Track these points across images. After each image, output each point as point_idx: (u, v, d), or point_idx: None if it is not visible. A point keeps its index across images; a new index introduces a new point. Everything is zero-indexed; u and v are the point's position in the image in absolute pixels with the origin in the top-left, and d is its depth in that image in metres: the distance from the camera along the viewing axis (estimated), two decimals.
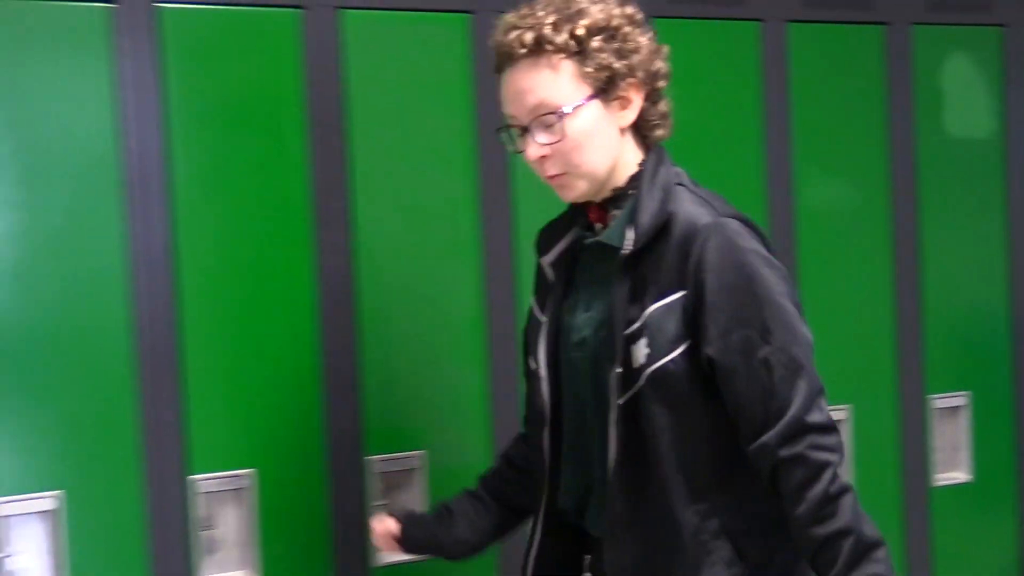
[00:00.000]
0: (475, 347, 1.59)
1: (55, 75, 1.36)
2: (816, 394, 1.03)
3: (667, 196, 1.10)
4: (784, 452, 1.01)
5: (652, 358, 1.05)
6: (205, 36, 1.42)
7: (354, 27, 1.47)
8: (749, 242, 1.07)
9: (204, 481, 1.42)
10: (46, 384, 1.36)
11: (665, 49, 1.15)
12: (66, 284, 1.37)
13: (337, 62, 1.46)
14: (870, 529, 1.01)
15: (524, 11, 1.09)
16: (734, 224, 1.08)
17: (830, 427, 1.04)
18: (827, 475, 1.00)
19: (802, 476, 1.01)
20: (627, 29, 1.11)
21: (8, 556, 1.36)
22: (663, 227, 1.07)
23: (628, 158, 1.14)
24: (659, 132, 1.16)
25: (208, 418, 1.42)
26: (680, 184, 1.12)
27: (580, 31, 1.07)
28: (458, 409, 1.60)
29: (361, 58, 1.47)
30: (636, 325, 1.06)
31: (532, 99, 1.08)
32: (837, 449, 1.04)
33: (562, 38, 1.07)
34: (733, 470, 1.08)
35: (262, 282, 1.46)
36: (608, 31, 1.09)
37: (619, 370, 1.07)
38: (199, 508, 1.42)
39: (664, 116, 1.16)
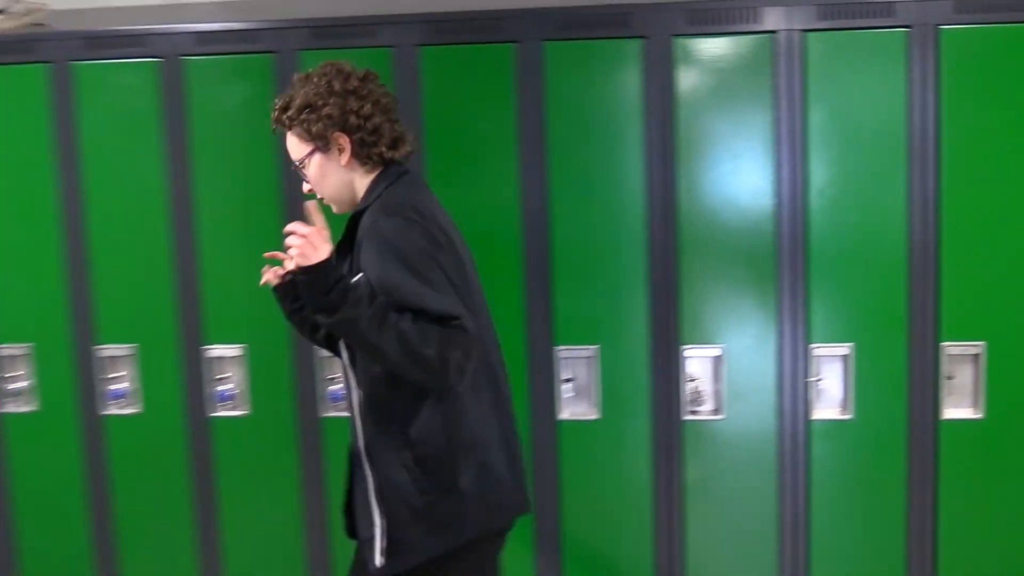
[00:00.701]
0: None
1: (866, 77, 2.14)
2: (437, 304, 1.49)
3: (368, 205, 1.62)
4: None
5: None
6: (972, 47, 2.10)
7: None
8: (392, 234, 1.53)
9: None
10: (849, 275, 2.16)
11: (366, 108, 1.61)
12: (865, 212, 2.15)
13: None
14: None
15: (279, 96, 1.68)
16: (392, 222, 1.54)
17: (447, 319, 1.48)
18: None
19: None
20: (322, 102, 1.60)
21: (819, 380, 2.18)
22: (356, 225, 1.62)
23: (360, 181, 1.67)
24: (381, 159, 1.64)
25: (957, 298, 2.13)
26: (381, 195, 1.62)
27: (291, 112, 1.63)
28: None
29: None
30: None
31: (290, 156, 1.68)
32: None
33: (284, 117, 1.64)
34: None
35: (999, 216, 2.13)
36: (308, 107, 1.61)
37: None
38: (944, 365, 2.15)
39: (377, 159, 1.64)
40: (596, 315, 2.24)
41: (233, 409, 2.35)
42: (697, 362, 2.22)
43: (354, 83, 1.66)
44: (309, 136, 1.65)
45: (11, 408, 2.41)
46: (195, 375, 2.35)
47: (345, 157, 1.66)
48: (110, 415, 2.39)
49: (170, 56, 2.26)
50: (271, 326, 2.29)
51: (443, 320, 1.51)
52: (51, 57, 2.31)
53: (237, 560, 2.43)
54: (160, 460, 2.41)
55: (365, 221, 1.60)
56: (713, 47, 2.17)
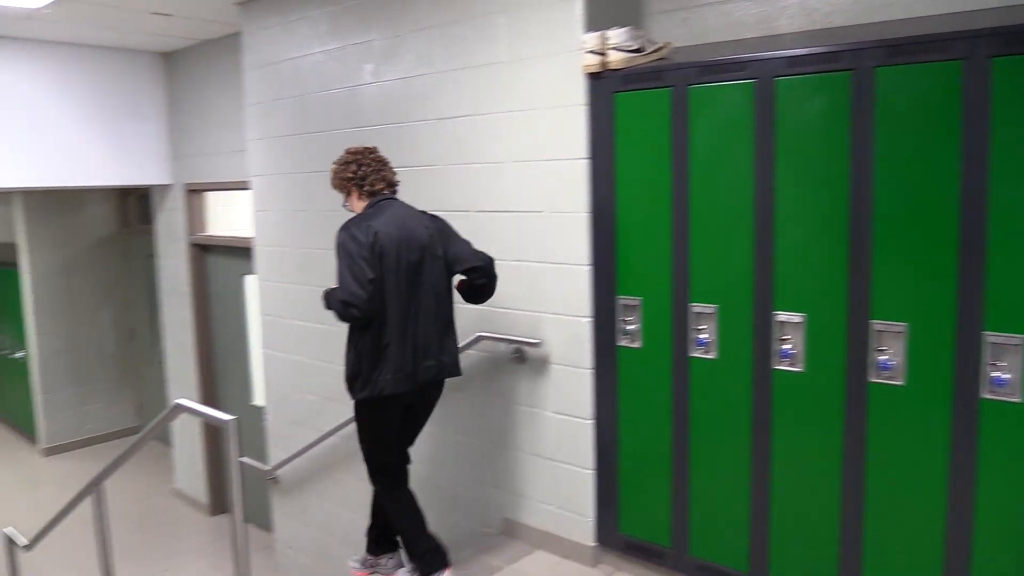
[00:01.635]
0: None
1: None
2: (342, 295, 2.95)
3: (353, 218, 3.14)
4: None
5: None
6: None
7: None
8: (347, 231, 3.03)
9: None
10: None
11: (354, 168, 3.21)
12: None
13: None
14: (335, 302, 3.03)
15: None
16: (348, 226, 3.05)
17: (347, 308, 2.95)
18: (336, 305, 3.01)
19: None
20: (340, 171, 3.25)
21: None
22: None
23: (363, 205, 3.20)
24: (370, 194, 3.21)
25: None
26: (362, 215, 3.14)
27: (332, 180, 3.30)
28: None
29: None
30: None
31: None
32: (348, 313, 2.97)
33: (332, 182, 3.30)
34: None
35: None
36: (335, 175, 3.27)
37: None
38: None
39: (367, 193, 3.22)
40: None
41: (791, 365, 2.86)
42: None
43: (352, 157, 3.25)
44: (341, 189, 3.29)
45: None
46: (764, 334, 2.91)
47: (356, 194, 3.26)
48: (694, 357, 3.09)
49: (764, 77, 2.82)
50: (828, 299, 2.75)
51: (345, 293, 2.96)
52: (673, 82, 3.03)
53: (782, 503, 2.95)
54: (729, 401, 3.02)
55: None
56: None
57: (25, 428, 8.67)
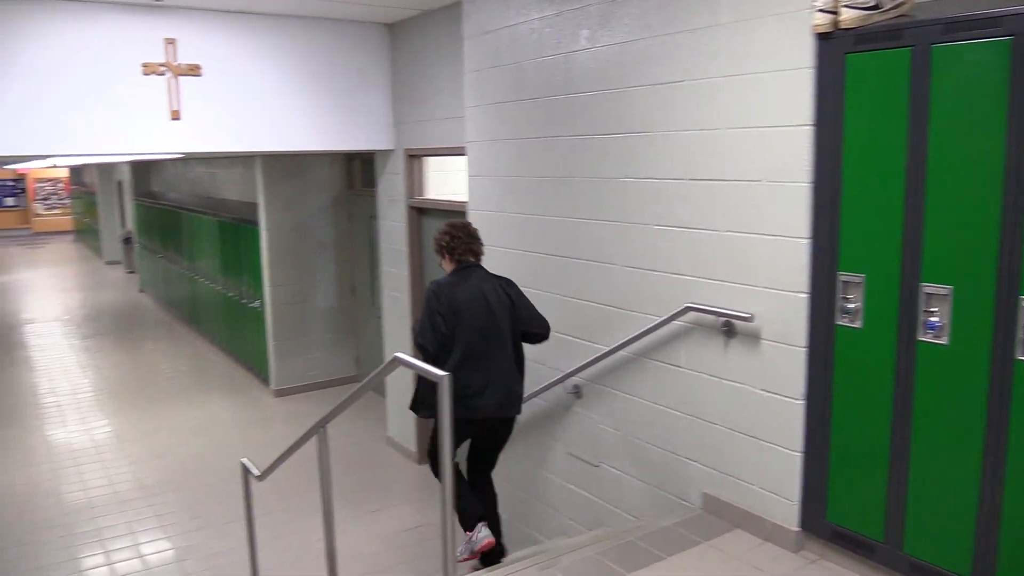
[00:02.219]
0: None
1: None
2: (417, 333, 4.02)
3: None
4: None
5: None
6: None
7: None
8: (432, 289, 4.03)
9: None
10: None
11: (447, 240, 4.16)
12: None
13: None
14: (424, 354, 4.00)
15: None
16: (436, 286, 4.04)
17: (419, 345, 4.00)
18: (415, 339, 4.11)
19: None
20: (438, 238, 4.21)
21: None
22: None
23: (451, 269, 4.18)
24: (457, 262, 4.16)
25: None
26: (447, 277, 4.14)
27: (434, 246, 4.28)
28: None
29: None
30: None
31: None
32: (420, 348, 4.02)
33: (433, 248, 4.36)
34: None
35: None
36: (436, 243, 4.23)
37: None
38: None
39: (455, 261, 4.16)
40: None
41: None
42: None
43: (450, 230, 4.13)
44: (438, 253, 4.17)
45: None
46: (1007, 320, 2.62)
47: (448, 259, 4.13)
48: (922, 341, 2.86)
49: (1022, 34, 2.53)
50: None
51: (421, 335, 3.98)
52: (913, 41, 2.78)
53: (1017, 507, 2.68)
54: (960, 392, 2.78)
55: None
56: None
57: (260, 371, 9.55)
